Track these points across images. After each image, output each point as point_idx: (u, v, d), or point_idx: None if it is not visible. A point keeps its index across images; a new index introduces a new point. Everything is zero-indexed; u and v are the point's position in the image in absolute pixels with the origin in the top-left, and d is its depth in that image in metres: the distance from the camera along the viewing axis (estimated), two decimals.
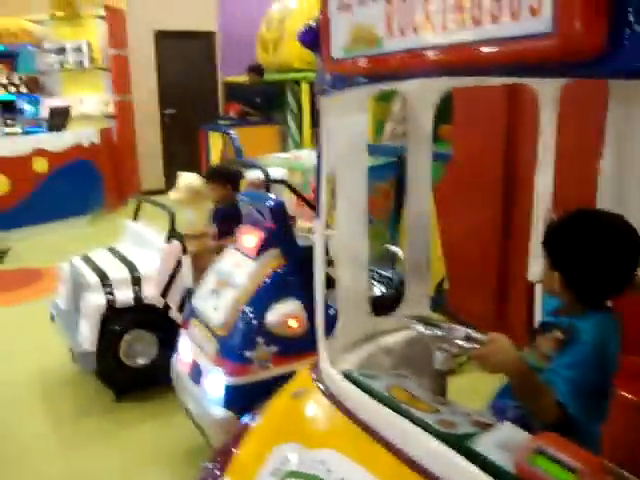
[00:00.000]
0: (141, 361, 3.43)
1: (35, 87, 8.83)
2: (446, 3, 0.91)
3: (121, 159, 8.57)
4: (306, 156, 5.69)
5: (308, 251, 2.67)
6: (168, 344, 3.31)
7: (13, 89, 8.54)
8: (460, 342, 1.38)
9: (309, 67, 8.16)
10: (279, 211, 2.62)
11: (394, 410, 1.33)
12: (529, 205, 2.19)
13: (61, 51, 8.46)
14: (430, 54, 0.98)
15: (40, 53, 8.59)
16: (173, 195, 3.97)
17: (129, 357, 3.39)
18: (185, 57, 9.63)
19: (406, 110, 1.84)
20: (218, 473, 1.59)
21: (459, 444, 1.19)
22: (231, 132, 6.88)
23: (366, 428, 1.34)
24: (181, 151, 9.38)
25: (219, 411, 2.48)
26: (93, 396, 3.57)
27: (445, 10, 0.91)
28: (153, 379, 3.47)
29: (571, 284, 1.47)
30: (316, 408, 1.54)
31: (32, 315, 4.55)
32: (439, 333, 1.43)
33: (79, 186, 7.42)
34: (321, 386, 1.55)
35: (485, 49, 0.89)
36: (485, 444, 1.19)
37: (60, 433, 3.27)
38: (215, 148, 7.52)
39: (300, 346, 2.57)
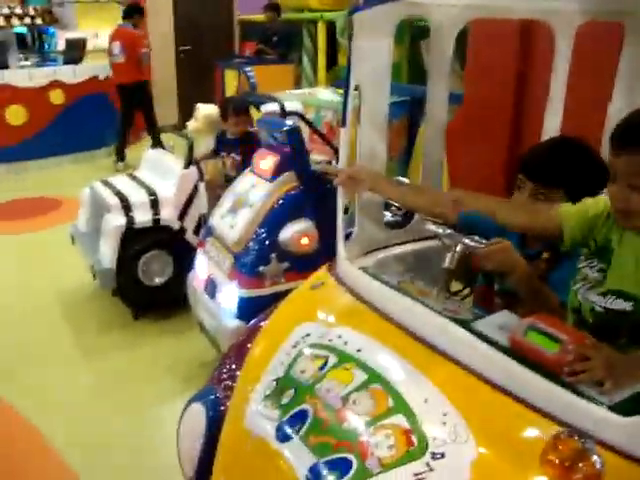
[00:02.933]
0: (158, 280, 3.59)
1: (50, 19, 8.80)
2: None
3: None
4: (320, 93, 5.73)
5: (321, 176, 2.81)
6: (183, 265, 3.49)
7: (28, 20, 8.53)
8: (467, 240, 1.51)
9: (326, 7, 8.09)
10: (295, 135, 2.72)
11: (404, 295, 1.48)
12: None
13: None
14: None
15: None
16: (192, 125, 4.07)
17: (146, 276, 3.56)
18: None
19: (429, 42, 1.93)
20: (234, 366, 1.73)
21: (463, 323, 1.34)
22: (247, 69, 6.87)
23: (378, 310, 1.50)
24: (195, 88, 9.36)
25: (233, 322, 2.64)
26: (113, 313, 3.77)
27: None
28: (169, 298, 3.65)
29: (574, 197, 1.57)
30: (334, 296, 1.69)
31: (54, 239, 4.72)
32: (449, 231, 1.56)
33: (95, 119, 7.49)
34: (338, 278, 1.71)
35: None
36: (485, 325, 1.35)
37: (82, 343, 3.48)
38: (230, 85, 7.53)
39: (311, 263, 2.67)
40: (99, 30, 8.56)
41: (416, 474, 1.11)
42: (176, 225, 3.56)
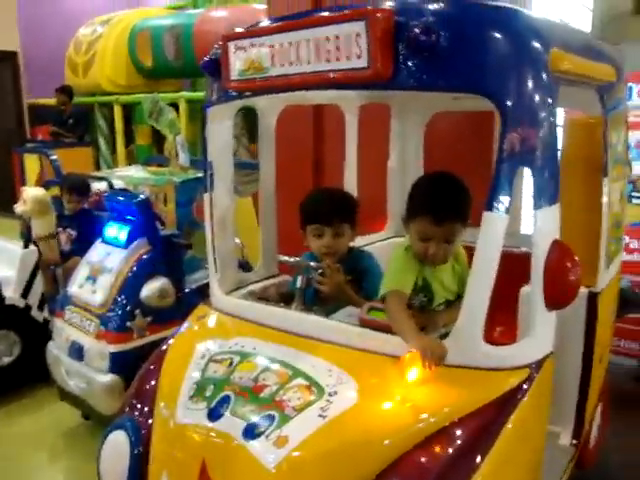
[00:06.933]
0: (6, 360, 3.66)
1: None
2: (309, 49, 1.68)
3: None
4: (131, 171, 6.10)
5: (168, 239, 3.27)
6: (31, 342, 3.63)
7: None
8: (312, 263, 2.12)
9: (120, 90, 8.51)
10: (145, 206, 3.16)
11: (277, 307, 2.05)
12: None
13: None
14: (297, 78, 1.73)
15: None
16: (20, 208, 4.20)
17: None
18: None
19: (259, 121, 2.49)
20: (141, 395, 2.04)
21: (321, 315, 1.93)
22: (49, 152, 6.95)
23: (259, 322, 1.99)
24: None
25: (106, 377, 2.93)
26: None
27: (309, 52, 1.68)
28: (19, 376, 3.73)
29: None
30: (219, 320, 2.13)
31: None
32: (297, 259, 2.16)
33: None
34: (217, 308, 2.17)
35: (330, 75, 1.66)
36: (339, 316, 1.95)
37: None
38: (31, 170, 7.49)
39: (170, 315, 3.11)
40: None
41: (322, 408, 1.60)
42: (21, 303, 3.69)
